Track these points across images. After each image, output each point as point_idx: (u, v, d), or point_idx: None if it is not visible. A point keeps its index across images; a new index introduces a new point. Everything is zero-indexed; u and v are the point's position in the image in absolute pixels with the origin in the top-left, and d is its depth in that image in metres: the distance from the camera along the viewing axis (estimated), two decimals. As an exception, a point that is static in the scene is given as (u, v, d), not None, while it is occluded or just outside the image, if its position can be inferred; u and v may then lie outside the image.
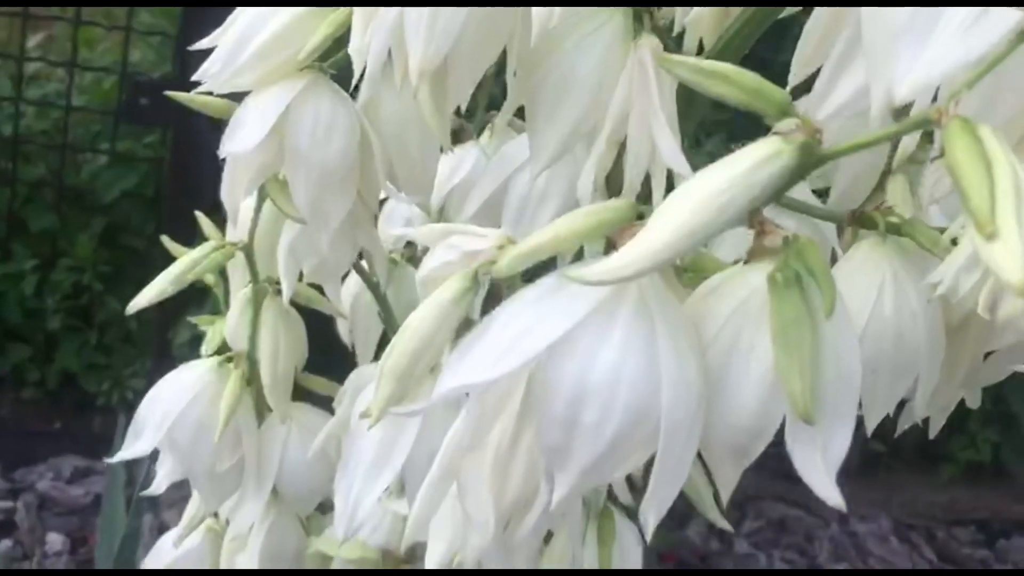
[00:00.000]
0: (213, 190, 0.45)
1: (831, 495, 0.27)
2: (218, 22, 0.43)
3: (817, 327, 0.27)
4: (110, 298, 1.86)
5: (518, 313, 0.27)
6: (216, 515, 0.68)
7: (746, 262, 0.28)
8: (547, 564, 0.46)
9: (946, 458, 2.55)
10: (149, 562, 0.70)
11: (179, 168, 1.70)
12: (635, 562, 0.51)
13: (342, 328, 0.67)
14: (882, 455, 2.46)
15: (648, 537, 0.27)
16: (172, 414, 0.52)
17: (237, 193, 0.45)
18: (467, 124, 0.62)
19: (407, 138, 0.45)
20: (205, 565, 0.70)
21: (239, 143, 0.41)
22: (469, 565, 0.34)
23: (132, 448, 0.53)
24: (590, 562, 0.47)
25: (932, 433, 0.45)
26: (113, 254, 1.86)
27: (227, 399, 0.52)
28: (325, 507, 0.62)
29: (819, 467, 0.27)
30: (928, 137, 0.45)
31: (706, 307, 0.29)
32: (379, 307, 0.57)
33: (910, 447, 2.52)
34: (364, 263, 0.57)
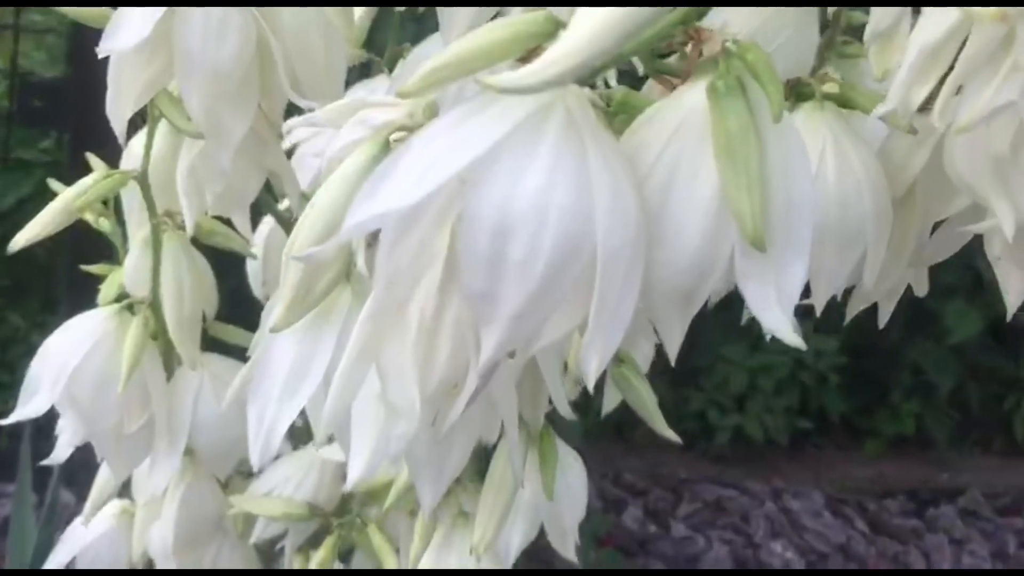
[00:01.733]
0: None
1: (784, 331, 0.25)
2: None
3: (765, 142, 0.25)
4: (11, 313, 1.78)
5: (435, 136, 0.24)
6: (130, 497, 0.64)
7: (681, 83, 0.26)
8: (489, 488, 0.43)
9: (871, 433, 2.59)
10: (61, 548, 0.65)
11: (78, 173, 1.63)
12: (580, 489, 0.48)
13: (254, 283, 0.63)
14: (810, 432, 2.49)
15: (591, 384, 0.24)
16: (69, 367, 0.48)
17: (123, 108, 0.42)
18: (376, 59, 0.59)
19: (310, 39, 0.41)
20: (120, 550, 0.65)
21: (122, 40, 0.37)
22: (394, 459, 0.30)
23: (27, 407, 0.49)
24: (533, 487, 0.44)
25: (881, 322, 0.43)
26: (12, 266, 1.78)
27: (130, 346, 0.48)
28: (245, 470, 0.58)
29: (772, 302, 0.25)
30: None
31: (640, 139, 0.26)
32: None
33: (837, 424, 2.55)
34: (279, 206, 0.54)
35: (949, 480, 2.53)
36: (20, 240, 0.46)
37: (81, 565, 0.66)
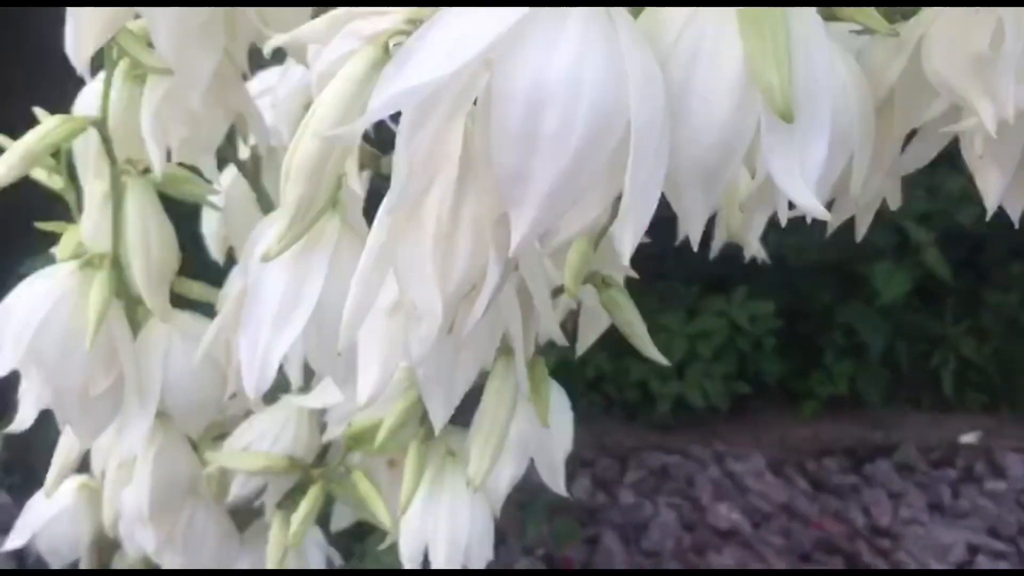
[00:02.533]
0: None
1: (809, 203, 0.25)
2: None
3: (788, 17, 0.24)
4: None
5: (458, 17, 0.23)
6: (90, 471, 0.62)
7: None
8: (483, 420, 0.42)
9: (807, 394, 2.65)
10: (19, 527, 0.63)
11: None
12: (566, 423, 0.48)
13: (211, 241, 0.62)
14: (749, 397, 2.53)
15: (625, 259, 0.24)
16: (32, 324, 0.46)
17: (84, 48, 0.40)
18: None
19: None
20: (82, 525, 0.63)
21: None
22: (418, 362, 0.29)
23: (-14, 369, 0.46)
24: (521, 421, 0.44)
25: (858, 236, 0.43)
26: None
27: (95, 301, 0.46)
28: (214, 433, 0.56)
29: (796, 175, 0.25)
30: None
31: (659, 20, 0.26)
32: (257, 196, 0.52)
33: (774, 387, 2.60)
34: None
35: (883, 437, 2.60)
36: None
37: (42, 544, 0.64)
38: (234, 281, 0.50)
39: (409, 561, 0.46)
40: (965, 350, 2.86)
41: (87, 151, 0.50)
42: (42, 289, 0.47)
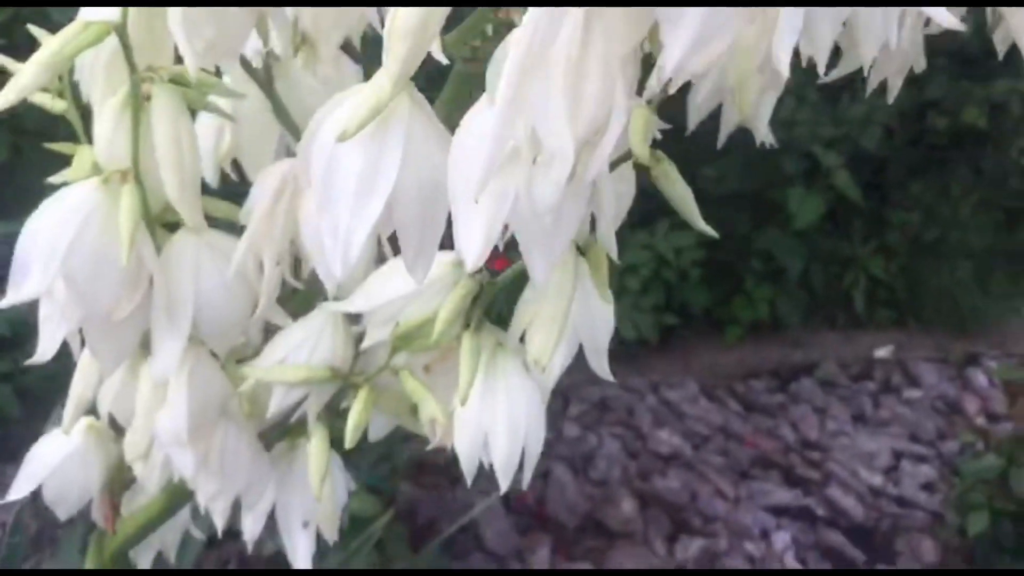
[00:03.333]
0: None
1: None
2: None
3: None
4: None
5: None
6: (96, 413, 0.60)
7: None
8: (545, 299, 0.43)
9: (730, 321, 2.73)
10: (23, 477, 0.61)
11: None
12: (609, 311, 0.48)
13: (206, 164, 0.60)
14: (675, 327, 2.59)
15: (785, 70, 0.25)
16: (63, 244, 0.44)
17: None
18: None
19: None
20: (93, 468, 0.61)
21: None
22: (547, 210, 0.30)
23: (21, 290, 0.45)
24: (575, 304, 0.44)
25: (891, 98, 0.45)
26: None
27: (126, 215, 0.44)
28: (237, 356, 0.55)
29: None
30: None
31: None
32: (272, 105, 0.51)
33: (699, 316, 2.67)
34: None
35: (804, 356, 2.70)
36: (8, 97, 0.41)
37: (49, 491, 0.62)
38: (257, 196, 0.49)
39: (467, 458, 0.46)
40: (874, 269, 2.98)
41: (95, 65, 0.48)
42: (67, 209, 0.45)
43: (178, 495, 0.61)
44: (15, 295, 0.45)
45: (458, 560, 1.60)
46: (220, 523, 0.56)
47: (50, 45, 0.42)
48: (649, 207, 0.47)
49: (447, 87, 0.49)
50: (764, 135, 0.53)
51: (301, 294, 0.54)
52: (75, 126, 0.51)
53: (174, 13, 0.42)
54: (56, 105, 0.51)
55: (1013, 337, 3.08)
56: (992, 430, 2.18)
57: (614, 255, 0.38)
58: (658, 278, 2.47)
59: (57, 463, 0.61)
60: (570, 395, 2.29)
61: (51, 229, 0.45)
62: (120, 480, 0.63)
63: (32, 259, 0.45)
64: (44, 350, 0.50)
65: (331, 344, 0.51)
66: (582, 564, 1.76)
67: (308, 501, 0.58)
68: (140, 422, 0.52)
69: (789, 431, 2.36)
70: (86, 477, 0.62)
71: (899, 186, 3.18)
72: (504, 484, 0.46)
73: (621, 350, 2.44)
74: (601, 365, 0.49)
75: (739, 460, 2.16)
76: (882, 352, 2.88)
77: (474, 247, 0.32)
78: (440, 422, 0.47)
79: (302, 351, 0.51)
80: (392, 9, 0.30)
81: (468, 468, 0.47)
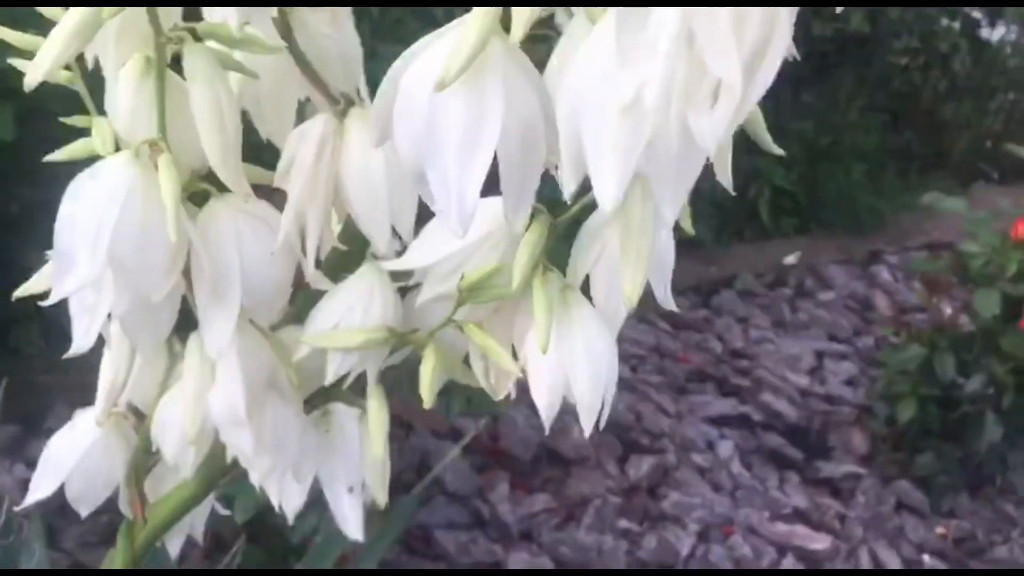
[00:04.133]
0: None
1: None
2: None
3: None
4: None
5: None
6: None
7: None
8: (628, 235, 0.42)
9: (648, 243, 2.77)
10: (44, 474, 0.58)
11: None
12: (672, 244, 0.48)
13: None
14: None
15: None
16: (108, 226, 0.41)
17: None
18: None
19: None
20: (116, 455, 0.58)
21: None
22: (718, 140, 0.29)
23: (67, 281, 0.41)
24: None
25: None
26: None
27: (168, 187, 0.41)
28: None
29: None
30: None
31: None
32: (295, 57, 0.48)
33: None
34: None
35: (720, 270, 2.77)
36: (40, 72, 0.38)
37: (73, 485, 0.59)
38: (298, 156, 0.46)
39: (548, 405, 0.45)
40: (776, 180, 3.06)
41: (105, 34, 0.45)
42: (103, 188, 0.42)
43: (212, 477, 0.59)
44: (62, 287, 0.42)
45: (424, 507, 1.60)
46: (276, 499, 0.54)
47: (73, 15, 0.39)
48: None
49: None
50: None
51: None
52: (84, 98, 0.48)
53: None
54: (62, 75, 0.47)
55: (908, 232, 3.22)
56: (912, 321, 2.29)
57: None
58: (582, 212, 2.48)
59: (79, 457, 0.58)
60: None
61: (91, 212, 0.42)
62: (143, 467, 0.61)
63: (75, 246, 0.42)
64: (82, 342, 0.47)
65: (382, 304, 0.49)
66: (541, 495, 1.78)
67: (350, 467, 0.57)
68: (190, 404, 0.49)
69: (717, 343, 2.42)
70: (110, 468, 0.59)
71: (793, 96, 3.26)
72: (588, 425, 0.46)
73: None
74: (667, 298, 0.48)
75: (676, 376, 2.21)
76: (791, 259, 2.97)
77: (610, 189, 0.31)
78: (516, 373, 0.46)
79: (354, 314, 0.49)
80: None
81: (548, 414, 0.46)
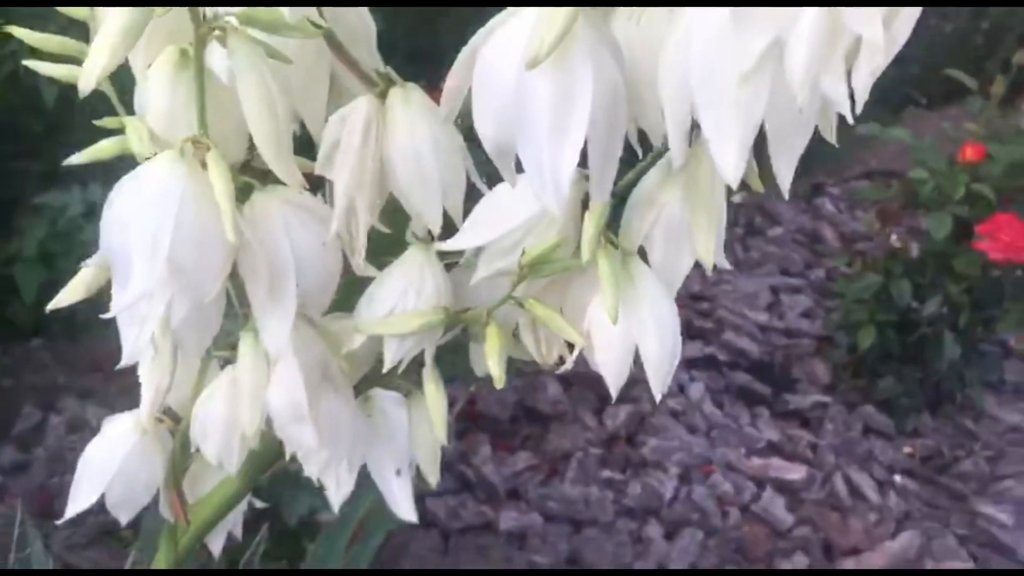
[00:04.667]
0: None
1: None
2: None
3: None
4: None
5: None
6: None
7: None
8: (698, 197, 0.42)
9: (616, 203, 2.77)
10: (83, 484, 0.57)
11: None
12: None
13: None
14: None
15: None
16: (166, 231, 0.39)
17: None
18: None
19: None
20: (155, 456, 0.57)
21: None
22: (779, 119, 0.29)
23: (127, 292, 0.40)
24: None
25: None
26: None
27: (222, 185, 0.40)
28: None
29: None
30: None
31: None
32: (327, 40, 0.47)
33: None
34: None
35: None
36: (91, 80, 0.36)
37: (114, 492, 0.58)
38: (344, 141, 0.45)
39: (617, 373, 0.45)
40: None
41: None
42: (156, 191, 0.40)
43: (255, 472, 0.58)
44: (123, 298, 0.40)
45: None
46: (333, 491, 0.53)
47: (119, 17, 0.37)
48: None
49: None
50: None
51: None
52: (110, 97, 0.46)
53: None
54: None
55: (846, 163, 3.27)
56: (862, 250, 2.33)
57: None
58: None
59: (119, 465, 0.57)
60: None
61: (145, 217, 0.40)
62: (181, 468, 0.60)
63: (132, 254, 0.40)
64: (134, 352, 0.46)
65: (434, 285, 0.48)
66: (523, 453, 1.79)
67: (396, 450, 0.57)
68: (248, 404, 0.48)
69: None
70: (150, 473, 0.58)
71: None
72: (659, 391, 0.46)
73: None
74: (720, 255, 0.48)
75: (640, 324, 2.23)
76: (737, 198, 3.00)
77: (732, 157, 0.31)
78: (581, 343, 0.46)
79: (408, 298, 0.48)
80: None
81: (616, 382, 0.46)
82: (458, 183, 0.46)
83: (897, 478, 1.94)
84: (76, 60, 0.46)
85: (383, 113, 0.45)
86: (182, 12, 0.41)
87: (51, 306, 0.49)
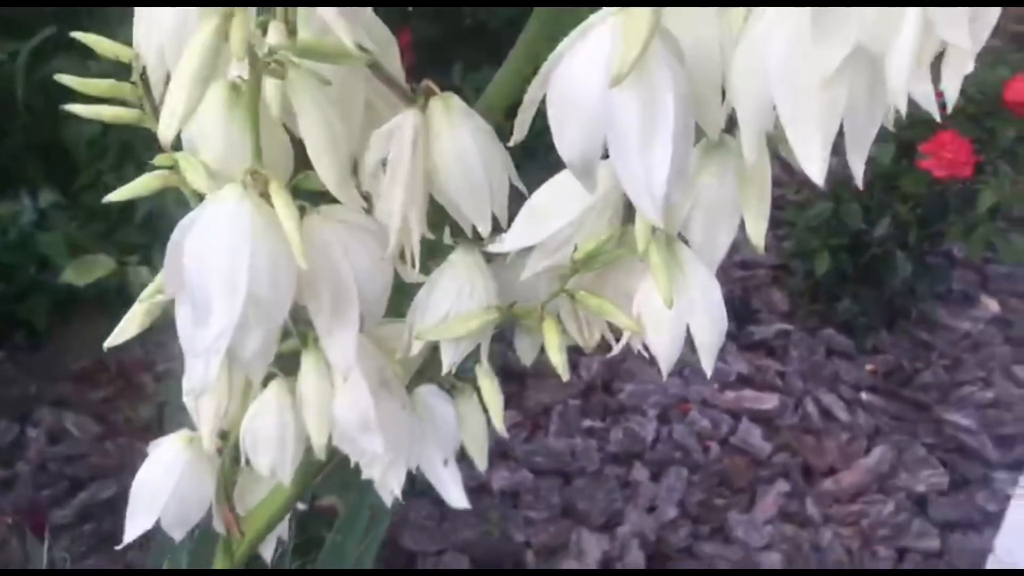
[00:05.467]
0: None
1: None
2: None
3: None
4: None
5: None
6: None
7: None
8: (748, 186, 0.44)
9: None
10: (138, 511, 0.57)
11: None
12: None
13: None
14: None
15: None
16: (243, 266, 0.40)
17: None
18: None
19: None
20: (206, 476, 0.58)
21: None
22: (856, 120, 0.30)
23: (209, 331, 0.41)
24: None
25: None
26: None
27: (288, 215, 0.41)
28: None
29: None
30: None
31: None
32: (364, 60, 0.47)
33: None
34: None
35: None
36: (172, 128, 0.36)
37: (169, 515, 0.58)
38: (393, 156, 0.45)
39: (669, 355, 0.47)
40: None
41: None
42: (227, 228, 0.41)
43: (306, 478, 0.59)
44: (207, 337, 0.41)
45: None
46: (395, 490, 0.55)
47: (191, 57, 0.37)
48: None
49: (532, 24, 0.47)
50: None
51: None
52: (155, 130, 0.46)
53: None
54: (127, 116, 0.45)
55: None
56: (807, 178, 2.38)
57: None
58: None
59: (172, 487, 0.57)
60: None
61: (221, 255, 0.41)
62: (231, 483, 0.61)
63: (212, 293, 0.41)
64: (204, 382, 0.46)
65: (484, 285, 0.50)
66: (505, 412, 1.82)
67: (443, 441, 0.58)
68: (316, 418, 0.49)
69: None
70: (201, 491, 0.59)
71: None
72: (710, 367, 0.48)
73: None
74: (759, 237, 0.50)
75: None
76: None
77: (817, 160, 0.33)
78: (636, 330, 0.48)
79: (462, 300, 0.49)
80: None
81: (668, 363, 0.48)
82: (503, 185, 0.47)
83: (863, 395, 2.01)
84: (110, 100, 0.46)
85: (425, 125, 0.46)
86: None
87: (108, 344, 0.50)
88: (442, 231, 0.51)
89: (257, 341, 0.44)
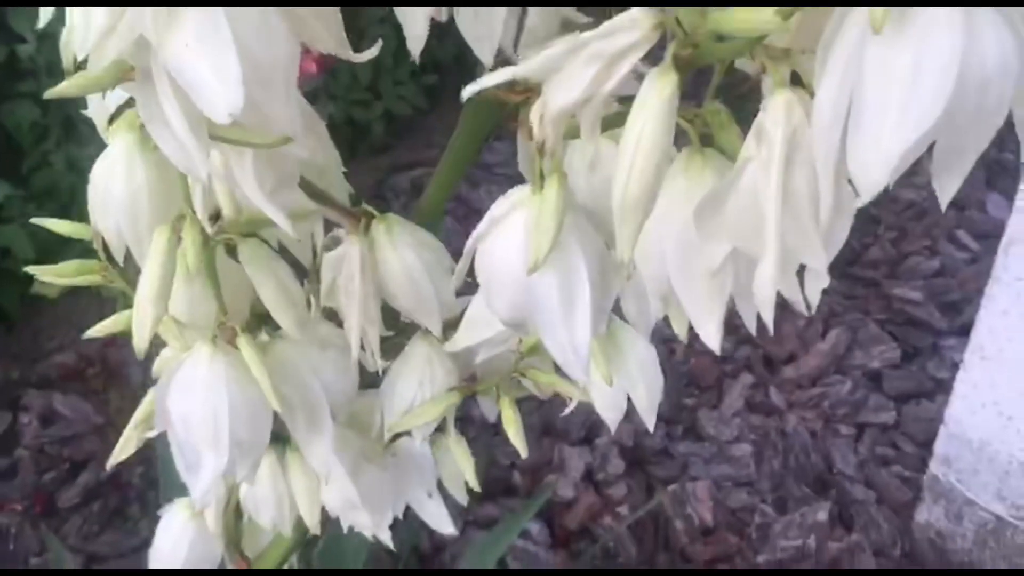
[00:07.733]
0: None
1: None
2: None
3: None
4: None
5: None
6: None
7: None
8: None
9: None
10: (155, 565, 0.64)
11: None
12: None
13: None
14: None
15: None
16: (223, 416, 0.45)
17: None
18: None
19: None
20: (214, 544, 0.64)
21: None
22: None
23: (200, 480, 0.46)
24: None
25: None
26: None
27: (257, 367, 0.46)
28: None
29: None
30: None
31: None
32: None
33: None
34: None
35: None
36: (144, 341, 0.41)
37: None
38: (344, 277, 0.50)
39: (613, 419, 0.53)
40: None
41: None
42: (204, 385, 0.45)
43: (305, 528, 0.66)
44: (200, 485, 0.46)
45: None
46: (385, 537, 0.61)
47: (151, 278, 0.41)
48: None
49: (464, 121, 0.50)
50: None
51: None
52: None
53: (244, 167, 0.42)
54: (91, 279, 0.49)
55: None
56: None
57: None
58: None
59: (186, 552, 0.64)
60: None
61: (203, 412, 0.46)
62: (239, 533, 0.67)
63: (199, 445, 0.46)
64: (203, 501, 0.52)
65: (443, 370, 0.55)
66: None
67: (424, 477, 0.64)
68: (307, 506, 0.55)
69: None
70: (212, 549, 0.65)
71: None
72: (651, 423, 0.54)
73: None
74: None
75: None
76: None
77: (713, 334, 0.38)
78: (582, 397, 0.54)
79: (424, 389, 0.55)
80: (538, 103, 0.33)
81: (614, 423, 0.54)
82: (448, 288, 0.52)
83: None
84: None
85: (371, 246, 0.50)
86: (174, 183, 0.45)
87: (111, 465, 0.55)
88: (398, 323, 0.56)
89: (246, 468, 0.49)
